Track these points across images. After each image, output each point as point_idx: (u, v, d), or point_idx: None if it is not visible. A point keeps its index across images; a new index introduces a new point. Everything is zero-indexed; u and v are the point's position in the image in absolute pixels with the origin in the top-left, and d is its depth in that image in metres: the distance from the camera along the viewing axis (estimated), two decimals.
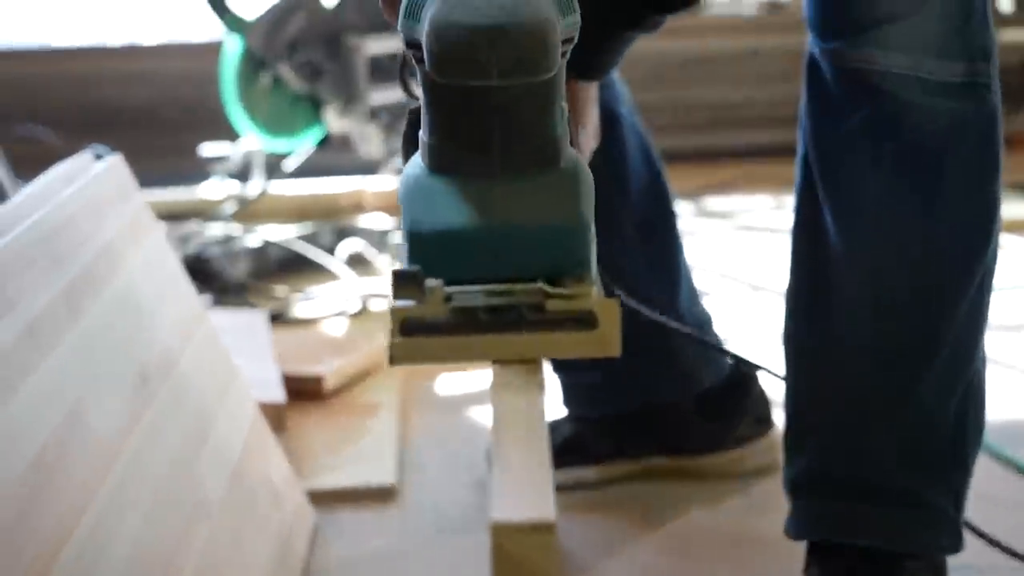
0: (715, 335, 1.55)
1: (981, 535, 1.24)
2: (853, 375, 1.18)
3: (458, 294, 0.70)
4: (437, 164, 0.74)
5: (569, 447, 1.54)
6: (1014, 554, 1.26)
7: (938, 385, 1.17)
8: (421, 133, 0.76)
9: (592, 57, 1.10)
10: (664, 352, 1.51)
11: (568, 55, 0.75)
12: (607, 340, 0.69)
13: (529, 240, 0.70)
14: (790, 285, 1.24)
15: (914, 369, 1.16)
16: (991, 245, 1.16)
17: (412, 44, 0.74)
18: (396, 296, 0.69)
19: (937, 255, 1.14)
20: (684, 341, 1.49)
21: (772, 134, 3.11)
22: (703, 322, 1.54)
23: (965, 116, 1.12)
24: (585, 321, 0.69)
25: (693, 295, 1.54)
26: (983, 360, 1.21)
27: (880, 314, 1.16)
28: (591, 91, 1.16)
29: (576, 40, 0.75)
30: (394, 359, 0.70)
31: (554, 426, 1.55)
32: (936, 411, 1.17)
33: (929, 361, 1.15)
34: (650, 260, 1.48)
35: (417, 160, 0.77)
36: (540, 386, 0.69)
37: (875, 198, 1.14)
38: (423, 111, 0.75)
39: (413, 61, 0.75)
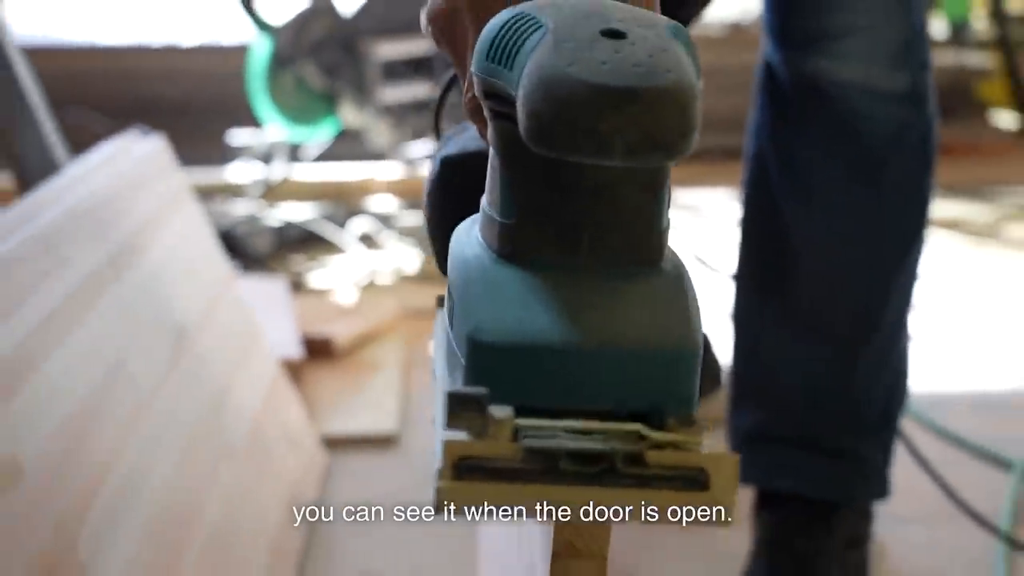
0: None
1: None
2: (802, 346, 1.17)
3: (531, 429, 0.47)
4: (509, 250, 0.50)
5: None
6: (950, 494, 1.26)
7: (875, 358, 1.16)
8: (486, 204, 0.53)
9: None
10: None
11: None
12: (720, 505, 0.47)
13: (628, 364, 0.48)
14: (741, 267, 1.22)
15: (856, 343, 1.15)
16: (923, 234, 1.16)
17: (493, 95, 0.51)
18: (451, 424, 0.47)
19: (879, 241, 1.13)
20: None
21: (733, 138, 3.11)
22: None
23: (907, 121, 1.11)
24: (694, 480, 0.47)
25: None
26: (907, 339, 1.20)
27: (828, 294, 1.15)
28: None
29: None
30: (441, 505, 0.48)
31: None
32: (873, 381, 1.17)
33: (869, 336, 1.15)
34: None
35: (475, 237, 0.53)
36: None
37: (827, 190, 1.12)
38: (495, 180, 0.52)
39: (488, 116, 0.52)
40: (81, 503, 0.86)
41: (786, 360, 1.18)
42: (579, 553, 0.50)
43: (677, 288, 0.50)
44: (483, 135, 0.57)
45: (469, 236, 0.54)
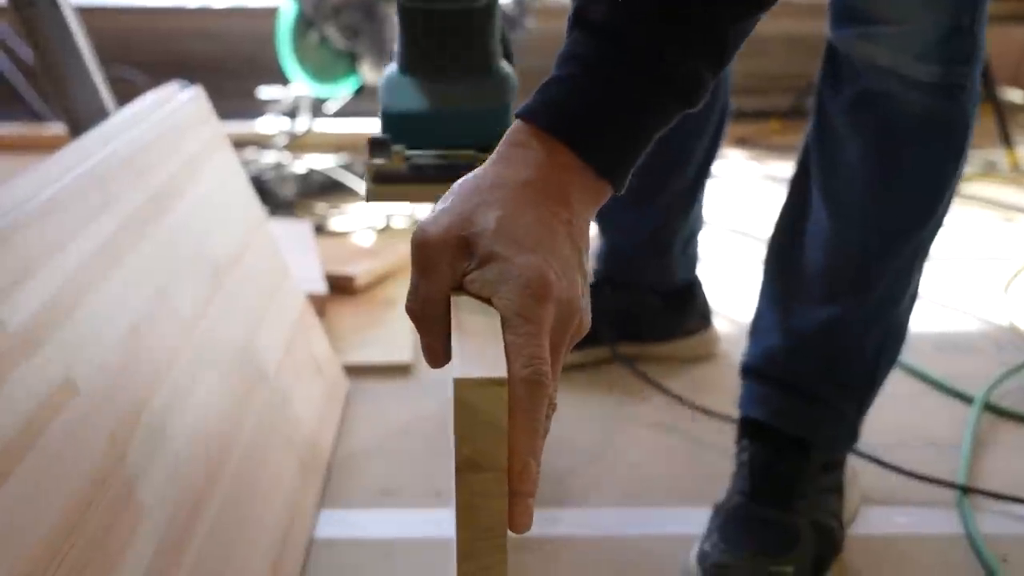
0: (697, 244, 1.57)
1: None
2: (804, 298, 1.15)
3: (414, 155, 0.79)
4: (403, 67, 0.83)
5: None
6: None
7: (866, 319, 1.13)
8: (396, 45, 0.84)
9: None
10: (664, 247, 1.52)
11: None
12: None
13: (465, 119, 0.79)
14: (777, 220, 1.19)
15: (850, 301, 1.12)
16: (932, 221, 1.10)
17: None
18: (371, 156, 0.80)
19: (883, 216, 1.09)
20: (674, 238, 1.52)
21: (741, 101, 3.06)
22: (696, 229, 1.56)
23: (934, 110, 1.04)
24: None
25: (700, 211, 1.56)
26: (907, 308, 1.16)
27: (834, 251, 1.12)
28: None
29: None
30: (369, 198, 0.81)
31: None
32: (860, 340, 1.14)
33: (863, 297, 1.12)
34: (695, 179, 1.50)
35: (392, 65, 0.86)
36: None
37: (849, 158, 1.08)
38: (398, 32, 0.84)
39: None
40: (129, 421, 0.85)
41: (792, 305, 1.15)
42: (480, 467, 0.54)
43: (497, 81, 0.80)
44: None
45: (390, 66, 0.86)
